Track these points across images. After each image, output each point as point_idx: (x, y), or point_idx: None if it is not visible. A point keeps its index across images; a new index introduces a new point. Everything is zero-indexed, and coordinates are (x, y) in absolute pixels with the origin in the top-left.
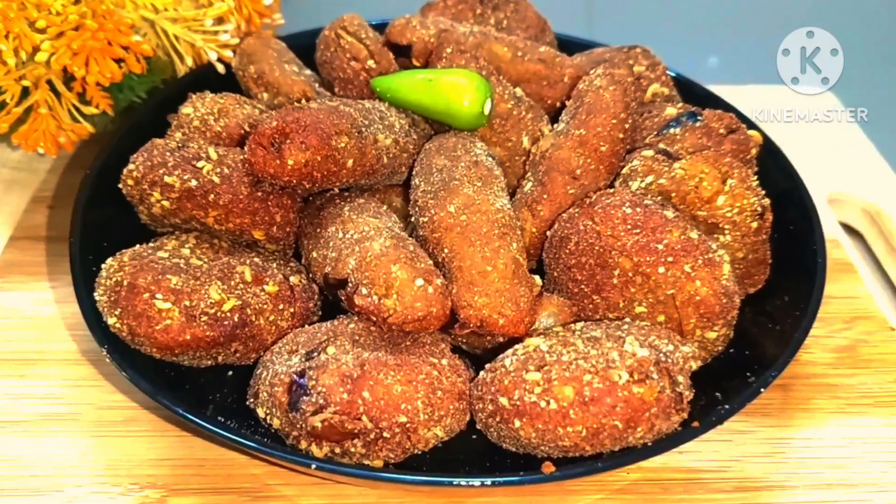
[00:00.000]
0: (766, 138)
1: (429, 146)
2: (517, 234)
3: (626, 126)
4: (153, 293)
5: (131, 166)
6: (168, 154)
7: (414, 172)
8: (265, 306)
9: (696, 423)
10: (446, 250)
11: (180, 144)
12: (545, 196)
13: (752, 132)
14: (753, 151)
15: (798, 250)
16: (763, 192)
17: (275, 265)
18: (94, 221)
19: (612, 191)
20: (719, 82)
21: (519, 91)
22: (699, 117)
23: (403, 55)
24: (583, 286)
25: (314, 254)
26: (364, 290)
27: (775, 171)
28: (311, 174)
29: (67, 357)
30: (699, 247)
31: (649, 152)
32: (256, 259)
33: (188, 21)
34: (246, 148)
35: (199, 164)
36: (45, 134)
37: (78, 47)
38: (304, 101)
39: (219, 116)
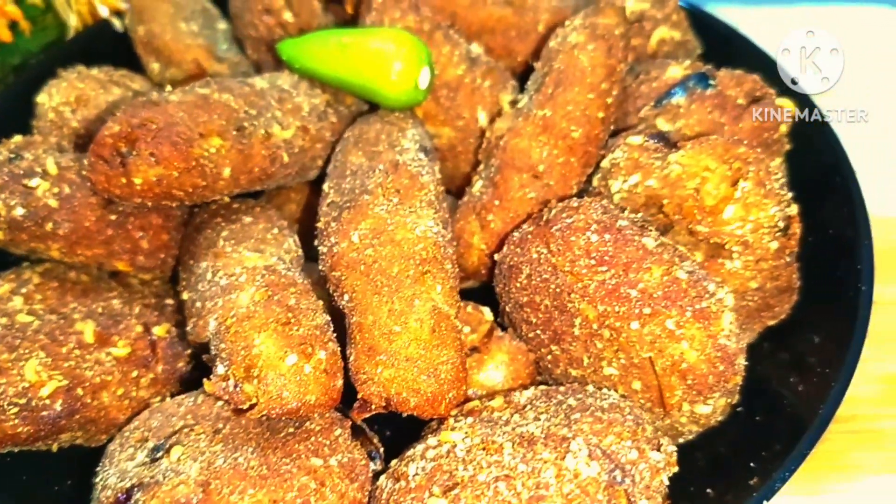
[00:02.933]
0: (806, 101)
1: (348, 135)
2: (444, 270)
3: (609, 101)
4: None
5: None
6: None
7: (328, 170)
8: (110, 377)
9: None
10: (346, 297)
11: (12, 154)
12: (497, 202)
13: (782, 101)
14: (783, 129)
15: (836, 267)
16: (789, 197)
17: (139, 308)
18: None
19: (575, 203)
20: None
21: (475, 49)
22: (711, 81)
23: (336, 1)
24: (538, 331)
25: (185, 295)
26: (220, 368)
27: (813, 143)
28: (170, 193)
29: None
30: (688, 292)
31: (637, 139)
32: (115, 301)
33: None
34: (86, 160)
35: (33, 183)
36: None
37: None
38: (167, 91)
39: (76, 106)
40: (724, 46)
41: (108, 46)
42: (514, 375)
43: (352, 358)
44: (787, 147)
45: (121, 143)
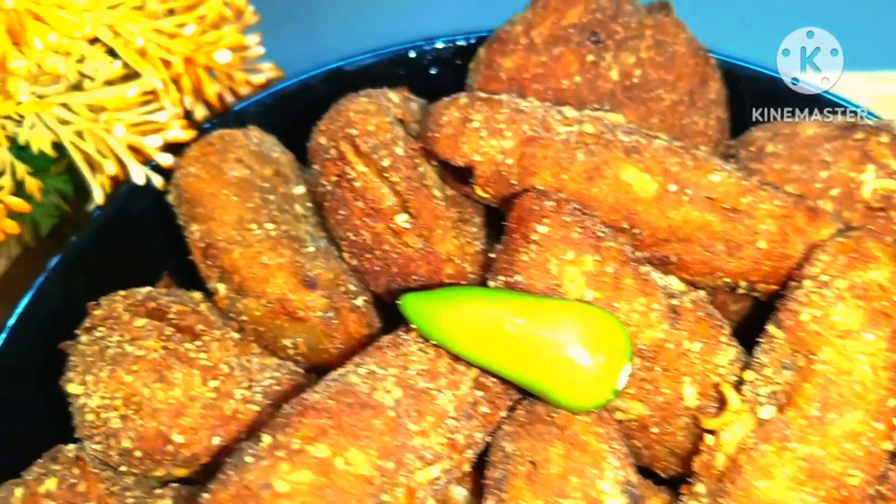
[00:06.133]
0: None
1: (515, 452)
2: None
3: None
4: None
5: None
6: None
7: None
8: None
9: None
10: None
11: None
12: None
13: None
14: None
15: None
16: None
17: None
18: None
19: None
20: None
21: (675, 285)
22: None
23: (461, 180)
24: None
25: None
26: None
27: None
28: None
29: None
30: None
31: None
32: None
33: (89, 116)
34: None
35: None
36: None
37: None
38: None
39: (126, 411)
40: None
41: (146, 224)
42: None
43: None
44: None
45: None
